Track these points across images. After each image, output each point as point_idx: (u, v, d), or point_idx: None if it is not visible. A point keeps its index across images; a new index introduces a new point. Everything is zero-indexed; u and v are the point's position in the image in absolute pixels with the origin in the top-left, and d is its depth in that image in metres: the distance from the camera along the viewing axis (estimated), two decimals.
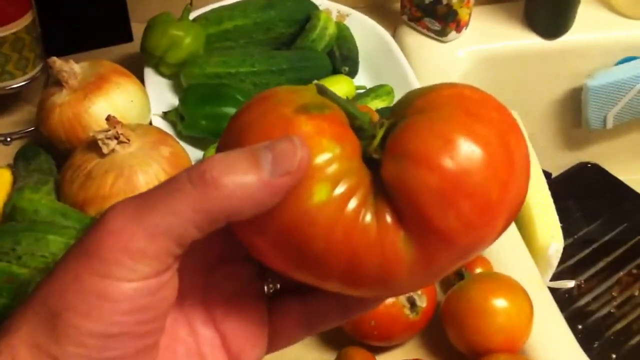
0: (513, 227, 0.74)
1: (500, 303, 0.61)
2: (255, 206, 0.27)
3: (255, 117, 0.29)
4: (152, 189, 0.28)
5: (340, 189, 0.28)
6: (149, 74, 0.87)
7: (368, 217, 0.28)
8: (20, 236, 0.59)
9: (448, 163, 0.27)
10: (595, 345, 0.83)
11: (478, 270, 0.66)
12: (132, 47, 0.95)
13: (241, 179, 0.27)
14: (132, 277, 0.27)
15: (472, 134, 0.28)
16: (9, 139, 0.84)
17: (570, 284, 0.78)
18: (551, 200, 0.75)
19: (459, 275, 0.64)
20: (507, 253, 0.70)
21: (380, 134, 0.29)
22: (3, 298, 0.54)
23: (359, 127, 0.30)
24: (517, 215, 0.29)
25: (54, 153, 0.78)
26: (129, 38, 0.96)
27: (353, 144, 0.29)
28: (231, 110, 0.80)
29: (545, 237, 0.72)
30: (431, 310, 0.63)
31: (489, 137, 0.28)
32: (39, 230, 0.59)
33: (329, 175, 0.28)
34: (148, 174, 0.68)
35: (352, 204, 0.28)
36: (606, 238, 0.97)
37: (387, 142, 0.29)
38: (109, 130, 0.68)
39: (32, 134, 0.84)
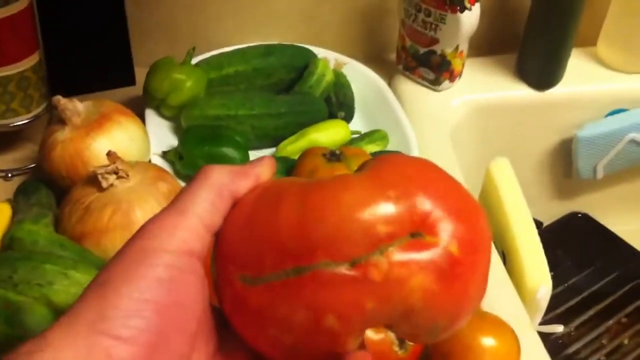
0: (502, 270, 0.75)
1: (488, 342, 0.62)
2: (244, 186, 0.36)
3: None
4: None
5: None
6: (150, 115, 0.89)
7: None
8: (17, 265, 0.60)
9: None
10: None
11: None
12: (135, 91, 0.97)
13: (229, 167, 0.37)
14: (168, 246, 0.32)
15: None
16: (10, 175, 0.86)
17: (560, 328, 0.79)
18: (540, 244, 0.76)
19: None
20: (495, 295, 0.71)
21: None
22: (0, 324, 0.55)
23: None
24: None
25: (54, 189, 0.79)
26: (132, 82, 0.99)
27: None
28: (229, 151, 0.82)
29: (534, 280, 0.73)
30: (420, 348, 0.64)
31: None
32: (35, 259, 0.61)
33: None
34: (145, 209, 0.69)
35: None
36: (596, 287, 0.98)
37: None
38: (109, 165, 0.70)
39: (33, 171, 0.86)
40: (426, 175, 0.33)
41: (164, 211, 0.34)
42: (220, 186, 0.35)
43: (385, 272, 0.30)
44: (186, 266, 0.32)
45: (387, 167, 0.33)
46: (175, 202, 0.34)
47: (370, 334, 0.58)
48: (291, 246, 0.31)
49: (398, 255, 0.30)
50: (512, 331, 0.63)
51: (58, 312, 0.58)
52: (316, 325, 0.31)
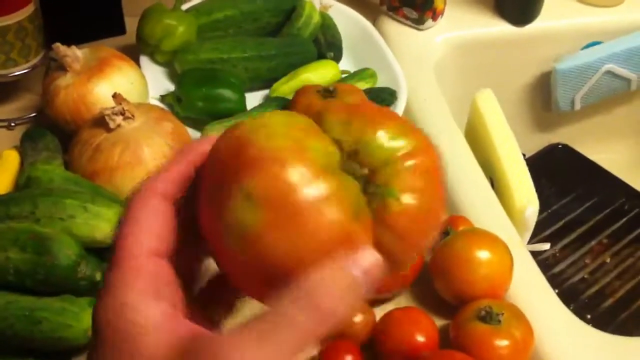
0: (491, 191, 0.80)
1: (483, 254, 0.66)
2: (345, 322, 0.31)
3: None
4: (264, 316, 0.29)
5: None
6: (145, 61, 0.92)
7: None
8: (38, 201, 0.63)
9: None
10: (572, 308, 0.89)
11: (461, 228, 0.71)
12: (126, 40, 0.99)
13: (348, 308, 0.29)
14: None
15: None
16: (12, 124, 0.88)
17: (546, 246, 0.84)
18: (526, 167, 0.80)
19: (445, 233, 0.70)
20: (486, 216, 0.76)
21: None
22: (28, 253, 0.59)
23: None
24: None
25: (57, 136, 0.82)
26: (122, 31, 1.01)
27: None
28: (226, 92, 0.85)
29: (522, 200, 0.78)
30: (419, 265, 0.69)
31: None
32: (55, 195, 0.64)
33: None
34: (152, 147, 0.72)
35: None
36: (578, 212, 1.03)
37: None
38: (115, 106, 0.73)
39: (35, 120, 0.88)
40: None
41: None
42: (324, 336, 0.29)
43: None
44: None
45: None
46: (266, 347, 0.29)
47: None
48: None
49: None
50: (504, 244, 0.68)
51: (81, 243, 0.61)
52: None
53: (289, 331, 0.28)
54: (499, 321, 0.62)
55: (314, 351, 0.33)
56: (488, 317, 0.62)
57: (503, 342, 0.61)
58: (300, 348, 0.28)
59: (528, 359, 0.63)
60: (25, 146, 0.80)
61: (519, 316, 0.64)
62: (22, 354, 0.61)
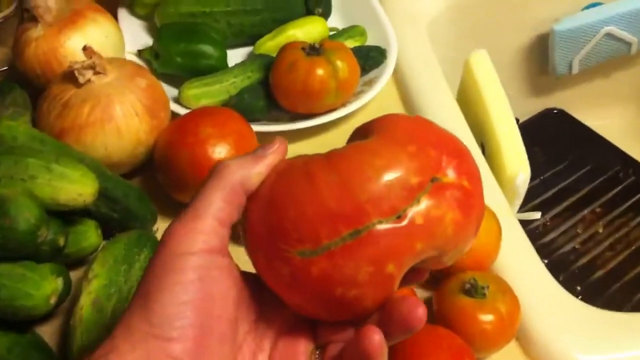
0: (481, 157, 0.76)
1: None
2: (257, 175, 0.38)
3: None
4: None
5: None
6: (123, 14, 0.88)
7: None
8: None
9: None
10: (561, 279, 0.86)
11: None
12: None
13: (241, 159, 0.38)
14: (191, 250, 0.36)
15: None
16: None
17: (537, 215, 0.81)
18: (518, 133, 0.77)
19: None
20: None
21: None
22: None
23: None
24: None
25: (29, 91, 0.78)
26: None
27: None
28: (206, 48, 0.81)
29: (513, 167, 0.74)
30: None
31: None
32: (18, 153, 0.60)
33: None
34: (124, 104, 0.68)
35: None
36: (571, 179, 1.00)
37: None
38: (85, 60, 0.68)
39: (6, 74, 0.84)
40: (425, 129, 0.38)
41: (183, 216, 0.37)
42: (233, 184, 0.37)
43: (426, 215, 0.35)
44: (210, 263, 0.36)
45: (393, 128, 0.37)
46: (192, 205, 0.37)
47: None
48: (341, 213, 0.34)
49: (431, 200, 0.35)
50: (493, 213, 0.64)
51: (42, 205, 0.57)
52: (379, 275, 0.35)
53: (203, 187, 0.38)
54: (484, 294, 0.59)
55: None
56: (473, 290, 0.59)
57: (488, 317, 0.58)
58: (212, 197, 0.37)
59: (514, 333, 0.60)
60: None
61: (505, 289, 0.60)
62: None
